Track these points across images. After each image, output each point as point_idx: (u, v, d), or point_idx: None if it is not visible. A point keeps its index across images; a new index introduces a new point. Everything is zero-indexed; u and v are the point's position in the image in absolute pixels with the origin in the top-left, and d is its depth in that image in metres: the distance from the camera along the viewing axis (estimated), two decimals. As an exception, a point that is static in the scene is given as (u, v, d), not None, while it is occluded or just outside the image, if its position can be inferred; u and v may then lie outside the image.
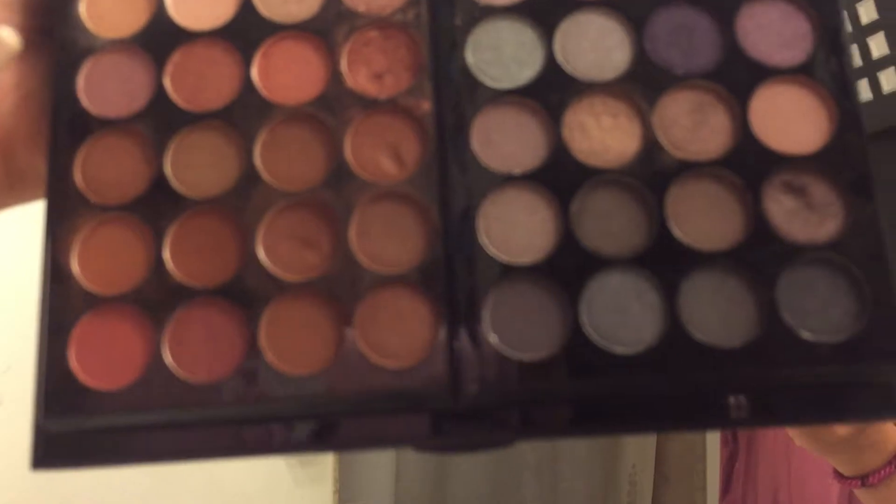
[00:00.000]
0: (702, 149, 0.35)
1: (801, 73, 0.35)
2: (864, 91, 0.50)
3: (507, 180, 0.35)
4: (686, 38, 0.36)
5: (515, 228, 0.34)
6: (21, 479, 1.18)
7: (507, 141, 0.35)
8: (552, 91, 0.36)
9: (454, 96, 0.36)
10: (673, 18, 0.36)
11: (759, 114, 0.35)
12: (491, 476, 1.71)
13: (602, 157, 0.35)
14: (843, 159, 0.34)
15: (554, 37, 0.36)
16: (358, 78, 0.36)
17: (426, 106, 0.36)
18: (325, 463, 1.59)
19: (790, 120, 0.35)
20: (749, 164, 0.35)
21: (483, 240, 0.34)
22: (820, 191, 0.34)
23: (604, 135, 0.35)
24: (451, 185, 0.35)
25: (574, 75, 0.36)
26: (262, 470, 1.49)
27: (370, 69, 0.36)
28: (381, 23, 0.37)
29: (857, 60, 0.51)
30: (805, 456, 0.81)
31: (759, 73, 0.35)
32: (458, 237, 0.34)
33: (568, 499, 1.81)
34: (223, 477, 1.41)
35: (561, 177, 0.35)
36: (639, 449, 1.91)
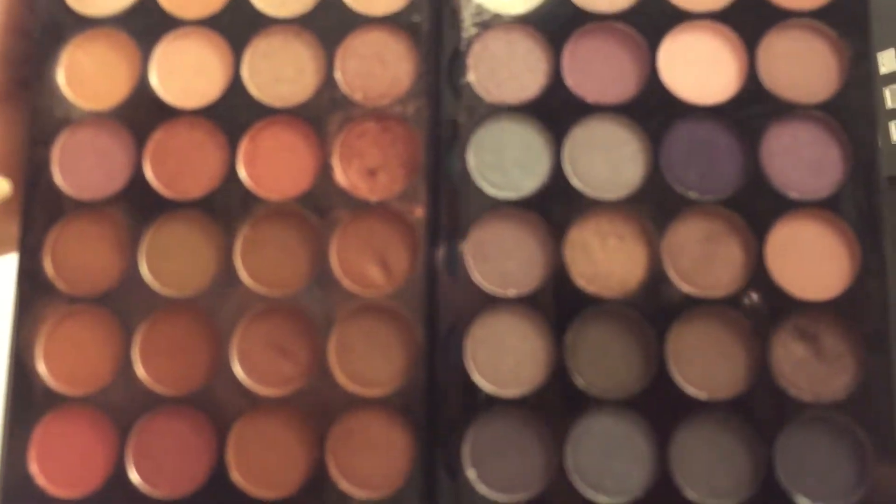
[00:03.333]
0: (711, 283, 0.32)
1: (827, 207, 0.33)
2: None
3: (500, 301, 0.33)
4: (706, 157, 0.33)
5: (504, 355, 0.32)
6: None
7: (503, 257, 0.33)
8: (556, 205, 0.33)
9: (450, 202, 0.33)
10: (694, 134, 0.33)
11: (777, 250, 0.32)
12: None
13: (604, 284, 0.33)
14: (862, 309, 0.32)
15: (563, 144, 0.34)
16: (349, 173, 0.34)
17: (419, 212, 0.33)
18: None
19: (810, 261, 0.32)
20: (761, 306, 0.32)
21: (469, 365, 0.32)
22: (833, 341, 0.32)
23: (608, 258, 0.33)
24: (439, 301, 0.33)
25: (582, 190, 0.33)
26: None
27: (363, 164, 0.34)
28: (379, 114, 0.34)
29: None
30: None
31: (781, 204, 0.33)
32: (443, 361, 0.32)
33: None
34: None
35: (558, 303, 0.33)
36: None
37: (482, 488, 0.31)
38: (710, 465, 0.31)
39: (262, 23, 0.35)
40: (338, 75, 0.34)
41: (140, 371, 0.32)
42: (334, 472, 0.32)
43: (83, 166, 0.34)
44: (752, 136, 0.33)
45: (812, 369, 0.32)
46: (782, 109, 0.33)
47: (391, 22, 0.35)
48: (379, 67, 0.34)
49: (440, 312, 0.33)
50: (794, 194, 0.33)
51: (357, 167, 0.34)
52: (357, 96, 0.34)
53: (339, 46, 0.35)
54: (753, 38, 0.34)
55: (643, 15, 0.34)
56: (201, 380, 0.32)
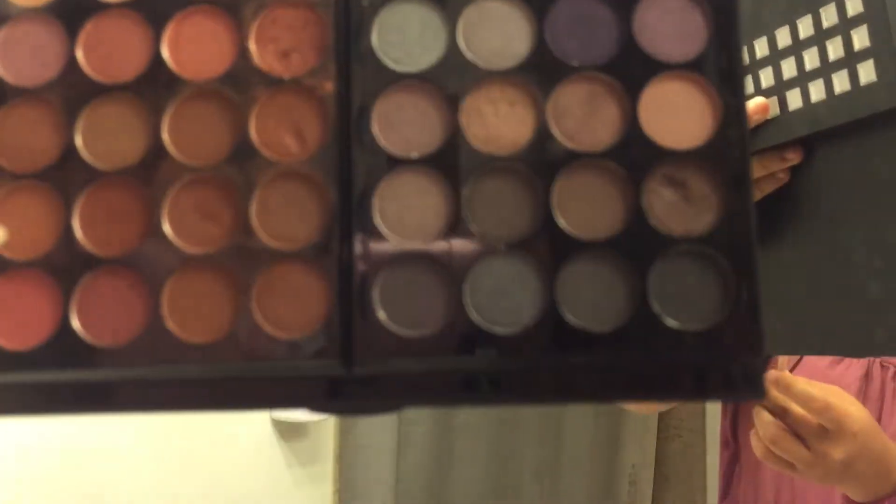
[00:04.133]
0: (591, 140, 0.36)
1: (692, 68, 0.37)
2: (841, 84, 0.52)
3: (405, 163, 0.36)
4: (586, 29, 0.37)
5: (409, 211, 0.36)
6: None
7: (406, 124, 0.37)
8: (452, 77, 0.37)
9: (358, 78, 0.37)
10: (574, 9, 0.37)
11: (648, 108, 0.36)
12: (492, 476, 1.74)
13: (497, 144, 0.36)
14: (724, 155, 0.36)
15: (458, 23, 0.37)
16: (265, 55, 0.37)
17: (329, 87, 0.37)
18: (326, 463, 1.61)
19: (677, 115, 0.36)
20: (634, 156, 0.36)
21: (377, 220, 0.36)
22: (698, 185, 0.36)
23: (500, 122, 0.37)
24: (350, 165, 0.36)
25: (474, 62, 0.37)
26: (263, 470, 1.52)
27: (277, 47, 0.37)
28: (290, 1, 0.37)
29: (840, 52, 0.52)
30: None
31: (651, 68, 0.37)
32: (354, 217, 0.36)
33: (568, 499, 1.84)
34: (224, 476, 1.44)
35: (455, 162, 0.36)
36: (639, 449, 1.92)
37: (391, 326, 0.35)
38: (592, 295, 0.35)
39: (181, -77, 0.38)
40: (252, -32, 0.38)
41: (80, 236, 0.36)
42: (259, 317, 0.35)
43: (21, 58, 0.37)
44: (626, 9, 0.37)
45: (680, 209, 0.36)
46: (652, -16, 0.37)
47: (299, -82, 0.38)
48: (290, -40, 0.38)
49: (351, 175, 0.36)
50: (662, 58, 0.37)
51: (272, 51, 0.37)
52: (270, -15, 0.38)
53: (253, -58, 0.38)
54: (626, -77, 0.38)
55: None
56: (136, 242, 0.36)
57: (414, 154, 0.36)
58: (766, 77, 0.56)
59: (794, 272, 0.61)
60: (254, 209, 0.36)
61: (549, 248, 0.36)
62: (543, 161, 0.36)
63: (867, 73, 0.51)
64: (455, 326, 0.35)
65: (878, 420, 0.77)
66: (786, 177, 0.58)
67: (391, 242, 0.36)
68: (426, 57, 0.37)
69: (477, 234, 0.36)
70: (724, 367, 0.36)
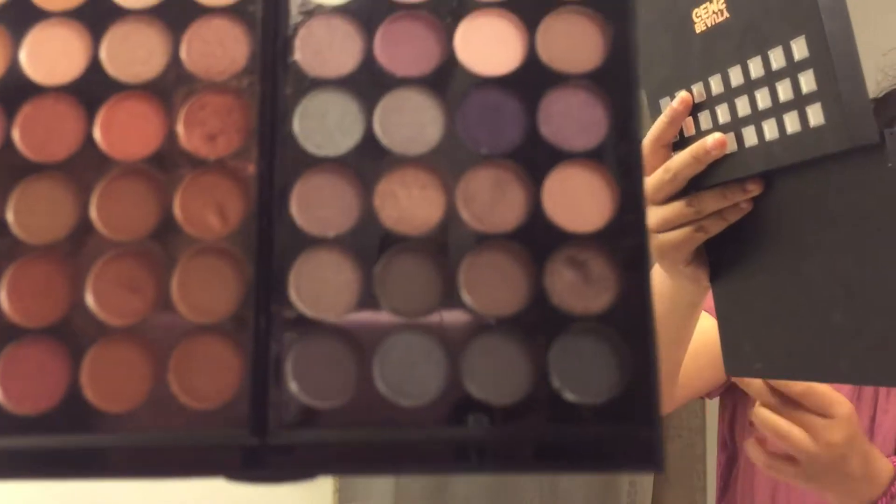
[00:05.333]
0: (498, 222, 0.39)
1: (592, 157, 0.39)
2: (792, 124, 0.54)
3: (320, 242, 0.38)
4: (495, 119, 0.40)
5: (323, 287, 0.38)
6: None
7: (323, 205, 0.39)
8: (368, 161, 0.39)
9: (280, 160, 0.39)
10: (485, 101, 0.40)
11: (551, 193, 0.39)
12: (491, 475, 1.74)
13: (408, 225, 0.39)
14: (622, 238, 0.38)
15: (375, 110, 0.40)
16: (192, 138, 0.39)
17: (252, 168, 0.39)
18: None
19: (578, 200, 0.39)
20: (538, 239, 0.38)
21: (292, 296, 0.38)
22: (598, 266, 0.38)
23: (412, 204, 0.39)
24: (269, 243, 0.38)
25: (389, 148, 0.39)
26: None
27: (204, 130, 0.40)
28: (218, 87, 0.40)
29: (790, 94, 0.55)
30: None
31: (555, 156, 0.39)
32: (270, 292, 0.38)
33: (568, 499, 1.84)
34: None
35: (369, 241, 0.38)
36: None
37: (303, 397, 0.37)
38: (495, 370, 0.37)
39: (119, 13, 0.41)
40: (183, 56, 0.40)
41: (5, 307, 0.37)
42: (175, 387, 0.37)
43: (-41, 136, 0.39)
44: (533, 102, 0.40)
45: (581, 289, 0.38)
46: (557, 79, 0.40)
47: (231, 11, 0.41)
48: (220, 49, 0.40)
49: (269, 252, 0.38)
50: (565, 147, 0.39)
51: (199, 134, 0.40)
52: (200, 73, 0.40)
53: (186, 32, 0.41)
54: (534, 21, 0.41)
55: (442, 4, 0.41)
56: (60, 314, 0.37)
57: (330, 233, 0.38)
58: (723, 113, 0.59)
59: (761, 297, 0.63)
60: (175, 283, 0.38)
61: (455, 325, 0.37)
62: (452, 241, 0.38)
63: (816, 115, 0.53)
64: (364, 398, 0.37)
65: (873, 420, 0.80)
66: (748, 206, 0.61)
67: (305, 316, 0.38)
68: (345, 142, 0.39)
69: (387, 310, 0.38)
70: (621, 439, 0.37)
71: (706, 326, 0.82)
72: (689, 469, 1.96)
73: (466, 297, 0.38)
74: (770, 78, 0.56)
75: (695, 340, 0.79)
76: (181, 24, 0.41)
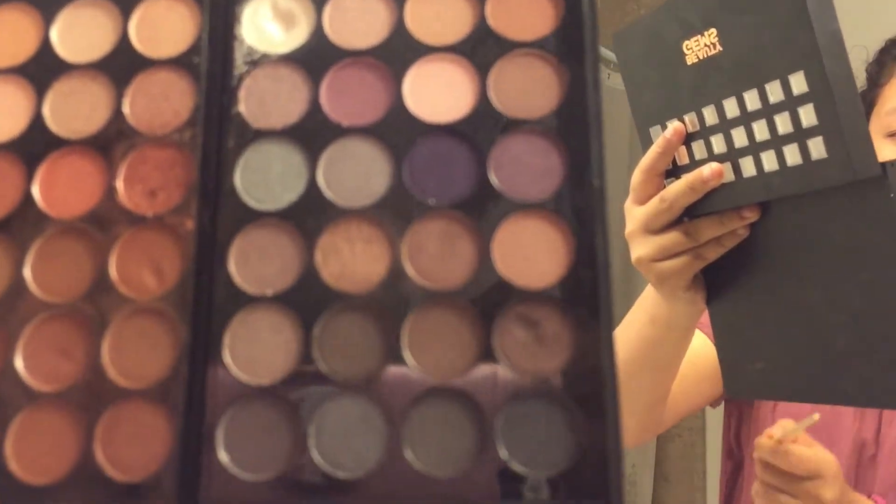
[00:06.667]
0: (445, 278, 0.36)
1: (547, 207, 0.37)
2: (793, 156, 0.53)
3: (258, 301, 0.36)
4: (443, 168, 0.37)
5: (260, 348, 0.36)
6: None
7: (263, 261, 0.37)
8: (311, 215, 0.37)
9: (220, 215, 0.38)
10: (433, 149, 0.38)
11: (503, 246, 0.36)
12: None
13: (351, 281, 0.36)
14: (577, 295, 0.35)
15: (319, 161, 0.38)
16: (132, 194, 0.38)
17: (190, 224, 0.37)
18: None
19: (531, 253, 0.36)
20: (488, 295, 0.36)
21: (227, 359, 0.36)
22: (552, 325, 0.35)
23: (355, 260, 0.37)
24: (206, 303, 0.36)
25: (333, 201, 0.37)
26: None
27: (145, 186, 0.38)
28: (159, 141, 0.39)
29: (789, 127, 0.53)
30: None
31: (507, 207, 0.37)
32: (205, 355, 0.36)
33: None
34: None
35: (308, 300, 0.36)
36: (639, 449, 1.92)
37: (233, 469, 0.34)
38: (438, 439, 0.34)
39: (64, 68, 0.40)
40: (126, 110, 0.39)
41: (-67, 372, 0.36)
42: (101, 458, 0.35)
43: None
44: (483, 150, 0.38)
45: (533, 350, 0.35)
46: (509, 125, 0.38)
47: (175, 63, 0.40)
48: (164, 103, 0.39)
49: (207, 312, 0.36)
50: (517, 197, 0.37)
51: (140, 190, 0.38)
52: (141, 127, 0.39)
53: (130, 85, 0.40)
54: (486, 66, 0.39)
55: (391, 50, 0.39)
56: (-12, 379, 0.36)
57: (269, 291, 0.36)
58: (718, 143, 0.57)
59: (760, 319, 0.62)
60: (106, 346, 0.36)
61: (396, 390, 0.35)
62: (397, 299, 0.36)
63: (818, 149, 0.52)
64: (298, 470, 0.34)
65: (878, 430, 0.82)
66: (745, 233, 0.60)
67: (239, 381, 0.35)
68: (287, 195, 0.38)
69: (325, 374, 0.35)
70: (579, 515, 0.34)
71: (699, 342, 0.83)
72: (689, 469, 1.95)
73: (410, 359, 0.35)
74: (768, 111, 0.53)
75: (689, 355, 0.78)
76: (126, 77, 0.40)
